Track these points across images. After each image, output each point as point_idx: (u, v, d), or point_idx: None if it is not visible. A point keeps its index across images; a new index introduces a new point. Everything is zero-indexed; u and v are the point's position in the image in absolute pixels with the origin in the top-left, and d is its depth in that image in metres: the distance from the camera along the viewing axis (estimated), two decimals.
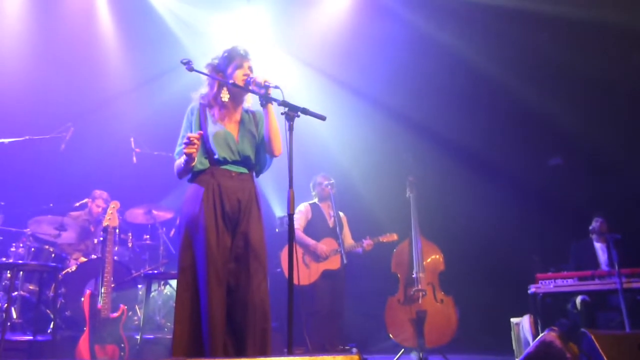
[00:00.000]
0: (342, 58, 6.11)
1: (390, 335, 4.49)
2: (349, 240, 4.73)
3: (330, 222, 4.69)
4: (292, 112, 2.35)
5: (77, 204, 5.11)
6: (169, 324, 4.79)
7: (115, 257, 4.34)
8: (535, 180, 5.93)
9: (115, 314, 3.67)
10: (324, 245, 4.55)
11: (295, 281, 2.22)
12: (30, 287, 4.57)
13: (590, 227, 4.75)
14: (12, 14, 5.74)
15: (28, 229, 4.70)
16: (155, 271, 4.53)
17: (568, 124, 5.61)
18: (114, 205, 3.89)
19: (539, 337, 2.59)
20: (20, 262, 4.41)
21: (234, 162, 2.55)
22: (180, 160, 2.50)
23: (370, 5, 6.01)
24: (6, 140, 4.43)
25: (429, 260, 4.61)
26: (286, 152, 2.35)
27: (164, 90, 5.82)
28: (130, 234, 5.01)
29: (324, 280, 4.51)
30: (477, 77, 5.79)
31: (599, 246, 4.75)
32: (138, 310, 4.62)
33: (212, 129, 2.55)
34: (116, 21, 6.08)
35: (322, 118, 2.40)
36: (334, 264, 4.53)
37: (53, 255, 4.72)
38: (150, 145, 5.36)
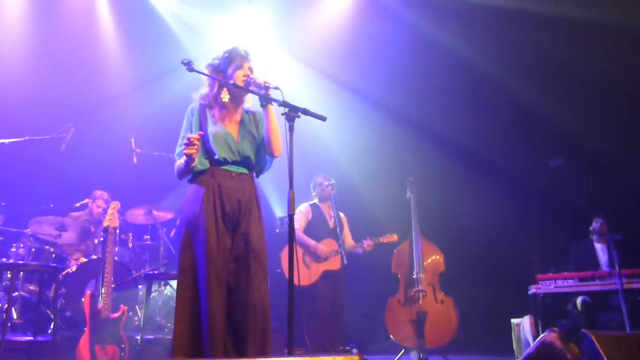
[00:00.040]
0: (342, 58, 6.11)
1: (391, 336, 4.48)
2: (349, 240, 4.73)
3: (331, 223, 4.69)
4: (292, 112, 2.35)
5: (78, 205, 5.11)
6: (169, 324, 4.79)
7: (116, 258, 4.34)
8: (536, 181, 5.93)
9: (116, 315, 3.67)
10: (324, 246, 4.55)
11: (296, 282, 2.22)
12: (31, 288, 4.57)
13: (591, 228, 4.74)
14: (12, 15, 5.74)
15: (28, 230, 4.70)
16: (156, 271, 4.53)
17: (568, 124, 5.61)
18: (115, 205, 3.89)
19: (540, 337, 2.59)
20: (21, 262, 4.41)
21: (234, 163, 2.55)
22: (180, 161, 2.50)
23: (370, 6, 6.01)
24: (7, 141, 4.44)
25: (429, 260, 4.61)
26: (286, 153, 2.35)
27: (165, 91, 5.83)
28: (130, 234, 5.01)
29: (324, 280, 4.51)
30: (477, 77, 5.80)
31: (599, 247, 4.75)
32: (138, 311, 4.62)
33: (212, 129, 2.55)
34: (117, 22, 6.09)
35: (323, 119, 2.40)
36: (334, 264, 4.53)
37: (53, 255, 4.72)
38: (151, 145, 5.36)
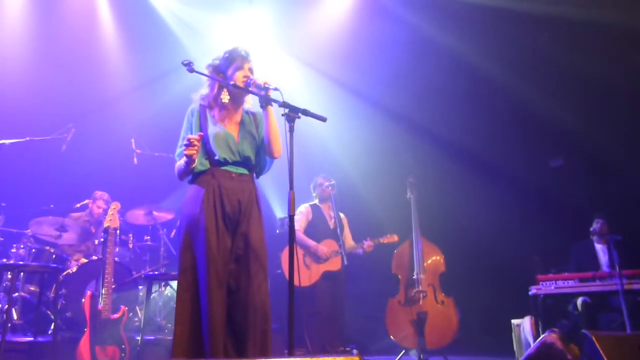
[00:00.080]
0: (343, 59, 6.12)
1: (391, 337, 4.48)
2: (349, 241, 4.73)
3: (331, 224, 4.69)
4: (292, 113, 2.35)
5: (78, 205, 5.11)
6: (169, 325, 4.79)
7: (116, 258, 4.34)
8: (536, 181, 5.92)
9: (116, 315, 3.67)
10: (325, 247, 4.55)
11: (296, 282, 2.22)
12: (31, 288, 4.57)
13: (591, 229, 4.74)
14: (13, 15, 5.75)
15: (29, 230, 4.70)
16: (156, 272, 4.53)
17: (568, 125, 5.61)
18: (115, 206, 3.89)
19: (540, 338, 2.58)
20: (21, 263, 4.42)
21: (235, 163, 2.55)
22: (180, 162, 2.50)
23: (370, 7, 6.02)
24: (7, 141, 4.44)
25: (429, 261, 4.60)
26: (287, 153, 2.35)
27: (165, 91, 5.83)
28: (131, 235, 5.01)
29: (324, 281, 4.51)
30: (478, 78, 5.80)
31: (599, 247, 4.75)
32: (139, 312, 4.62)
33: (212, 130, 2.55)
34: (117, 22, 6.09)
35: (323, 119, 2.40)
36: (334, 265, 4.53)
37: (54, 256, 4.72)
38: (151, 146, 5.37)
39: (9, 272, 4.10)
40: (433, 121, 5.93)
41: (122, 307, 3.74)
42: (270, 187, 5.73)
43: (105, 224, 3.79)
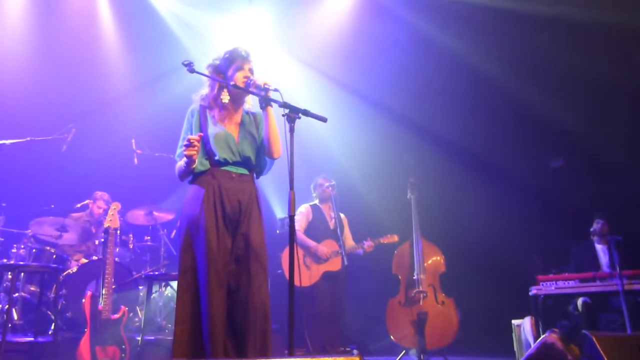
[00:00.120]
0: (343, 60, 6.12)
1: (391, 337, 4.48)
2: (349, 241, 4.73)
3: (331, 224, 4.69)
4: (293, 113, 2.35)
5: (79, 205, 5.11)
6: (169, 325, 4.79)
7: (116, 259, 4.34)
8: (536, 182, 5.92)
9: (116, 316, 3.67)
10: (325, 247, 4.55)
11: (296, 283, 2.22)
12: (32, 289, 4.57)
13: (592, 229, 4.74)
14: (14, 15, 5.76)
15: (29, 230, 4.71)
16: (156, 272, 4.54)
17: (568, 125, 5.61)
18: (115, 206, 3.89)
19: (540, 338, 2.58)
20: (22, 263, 4.42)
21: (235, 163, 2.55)
22: (181, 163, 2.50)
23: (371, 7, 6.02)
24: (8, 142, 4.44)
25: (429, 261, 4.60)
26: (287, 154, 2.35)
27: (166, 92, 5.83)
28: (131, 235, 5.01)
29: (324, 281, 4.51)
30: (478, 79, 5.80)
31: (600, 248, 4.75)
32: (139, 312, 4.62)
33: (212, 130, 2.55)
34: (118, 22, 6.10)
35: (324, 120, 2.40)
36: (334, 265, 4.53)
37: (54, 256, 4.72)
38: (152, 146, 5.37)
39: (10, 272, 4.10)
40: (433, 121, 5.93)
41: (123, 307, 3.74)
42: (271, 187, 5.73)
43: (106, 224, 3.79)
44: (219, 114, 2.58)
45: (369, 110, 6.16)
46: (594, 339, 2.50)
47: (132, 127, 5.72)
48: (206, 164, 2.52)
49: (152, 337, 4.28)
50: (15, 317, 4.37)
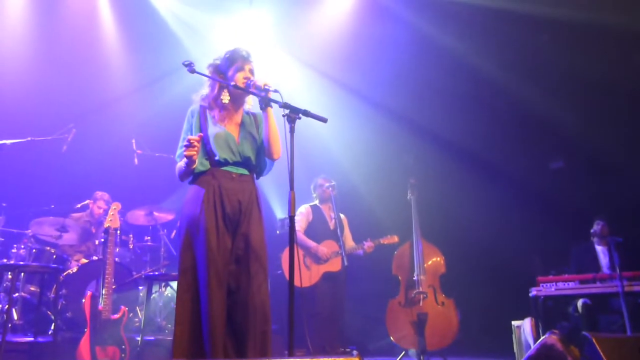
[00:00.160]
0: (343, 60, 6.12)
1: (391, 338, 4.48)
2: (349, 242, 4.73)
3: (331, 224, 4.69)
4: (293, 114, 2.35)
5: (79, 206, 5.11)
6: (169, 325, 4.79)
7: (116, 259, 4.35)
8: (536, 183, 5.92)
9: (116, 316, 3.67)
10: (325, 248, 4.55)
11: (296, 283, 2.22)
12: (32, 289, 4.58)
13: (592, 230, 4.74)
14: (14, 16, 5.76)
15: (29, 230, 4.71)
16: (156, 273, 4.54)
17: (569, 126, 5.61)
18: (115, 206, 3.89)
19: (540, 340, 2.58)
20: (22, 263, 4.42)
21: (235, 164, 2.55)
22: (181, 163, 2.51)
23: (371, 8, 6.02)
24: (8, 142, 4.44)
25: (430, 262, 4.60)
26: (287, 154, 2.35)
27: (166, 92, 5.83)
28: (131, 235, 5.02)
29: (324, 282, 4.51)
30: (478, 79, 5.80)
31: (600, 249, 4.75)
32: (139, 312, 4.62)
33: (212, 130, 2.55)
34: (118, 23, 6.10)
35: (324, 120, 2.40)
36: (334, 266, 4.53)
37: (54, 256, 4.72)
38: (152, 146, 5.37)
39: (10, 273, 4.10)
40: (434, 122, 5.93)
41: (123, 307, 3.74)
42: (271, 188, 5.73)
43: (106, 225, 3.79)
44: (219, 114, 2.58)
45: (369, 111, 6.16)
46: (594, 341, 2.50)
47: (132, 127, 5.72)
48: (206, 164, 2.53)
49: (152, 337, 4.28)
50: (15, 317, 4.37)
